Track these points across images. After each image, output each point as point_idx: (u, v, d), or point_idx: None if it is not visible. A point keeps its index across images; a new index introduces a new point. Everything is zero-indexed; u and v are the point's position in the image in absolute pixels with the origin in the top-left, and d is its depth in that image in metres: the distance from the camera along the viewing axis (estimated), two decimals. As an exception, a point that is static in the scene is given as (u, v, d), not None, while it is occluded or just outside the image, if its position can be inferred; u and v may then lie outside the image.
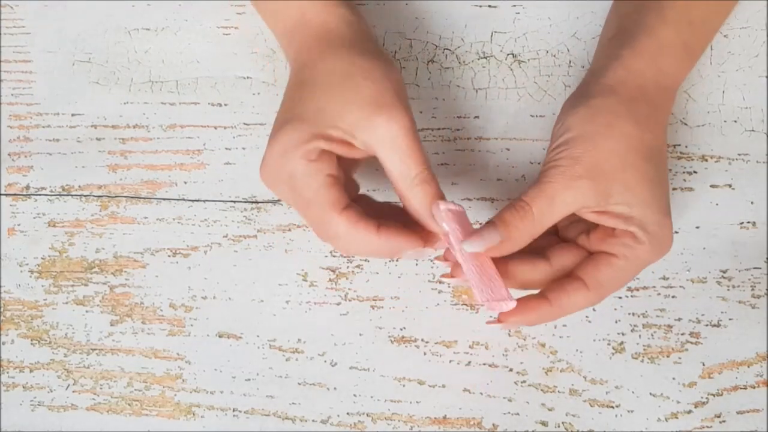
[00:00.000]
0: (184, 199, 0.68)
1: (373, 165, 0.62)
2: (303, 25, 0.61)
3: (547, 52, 0.69)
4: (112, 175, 0.68)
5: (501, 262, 0.58)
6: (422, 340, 0.66)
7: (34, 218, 0.68)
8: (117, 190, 0.68)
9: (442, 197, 0.57)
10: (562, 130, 0.59)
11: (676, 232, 0.66)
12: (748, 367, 0.64)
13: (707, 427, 0.64)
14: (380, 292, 0.66)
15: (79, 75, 0.70)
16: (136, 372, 0.66)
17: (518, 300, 0.58)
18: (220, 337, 0.66)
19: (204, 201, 0.68)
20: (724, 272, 0.65)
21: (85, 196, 0.68)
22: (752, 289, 0.65)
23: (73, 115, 0.69)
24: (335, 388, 0.65)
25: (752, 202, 0.66)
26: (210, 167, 0.68)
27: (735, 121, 0.67)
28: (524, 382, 0.65)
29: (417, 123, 0.67)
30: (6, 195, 0.68)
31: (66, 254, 0.67)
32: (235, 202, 0.68)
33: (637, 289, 0.65)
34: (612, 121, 0.57)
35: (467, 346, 0.65)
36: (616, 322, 0.65)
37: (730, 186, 0.66)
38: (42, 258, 0.68)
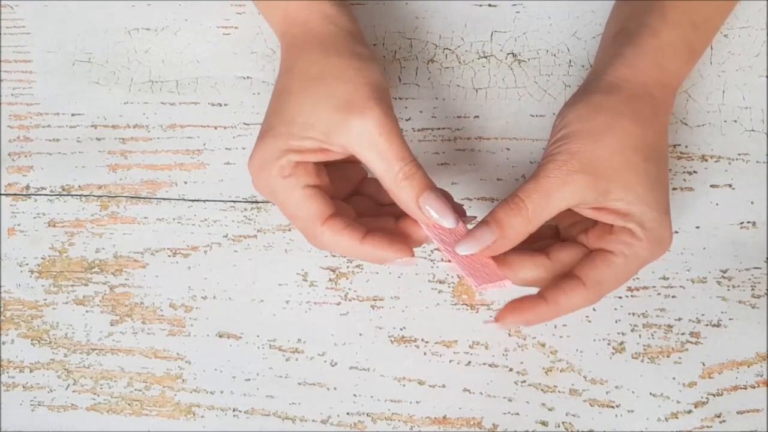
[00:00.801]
0: (184, 199, 0.68)
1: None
2: (288, 26, 0.61)
3: (547, 51, 0.69)
4: (112, 175, 0.68)
5: (500, 255, 0.58)
6: (422, 340, 0.66)
7: (34, 218, 0.68)
8: (117, 190, 0.68)
9: (430, 186, 0.56)
10: (561, 125, 0.59)
11: (676, 232, 0.66)
12: (748, 367, 0.64)
13: (707, 427, 0.64)
14: (380, 292, 0.66)
15: (79, 75, 0.70)
16: (136, 372, 0.66)
17: (515, 300, 0.58)
18: (220, 337, 0.66)
19: (204, 201, 0.68)
20: (724, 272, 0.65)
21: (85, 196, 0.68)
22: (752, 289, 0.65)
23: (73, 115, 0.69)
24: (335, 388, 0.65)
25: (752, 202, 0.66)
26: (210, 167, 0.68)
27: (735, 121, 0.67)
28: (524, 382, 0.65)
29: (417, 123, 0.67)
30: (6, 195, 0.68)
31: (66, 254, 0.67)
32: (235, 202, 0.68)
33: (637, 289, 0.65)
34: (613, 118, 0.57)
35: (467, 346, 0.65)
36: (616, 322, 0.65)
37: (730, 186, 0.66)
38: (42, 258, 0.68)
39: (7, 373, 0.66)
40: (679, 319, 0.65)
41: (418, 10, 0.70)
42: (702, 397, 0.64)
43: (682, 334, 0.65)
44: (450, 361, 0.65)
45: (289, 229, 0.67)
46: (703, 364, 0.65)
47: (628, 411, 0.64)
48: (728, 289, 0.65)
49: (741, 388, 0.64)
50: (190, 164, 0.68)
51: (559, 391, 0.65)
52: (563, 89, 0.68)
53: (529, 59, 0.69)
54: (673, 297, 0.65)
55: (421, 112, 0.68)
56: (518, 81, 0.69)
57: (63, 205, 0.68)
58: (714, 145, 0.67)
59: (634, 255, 0.58)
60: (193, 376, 0.66)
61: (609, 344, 0.65)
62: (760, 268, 0.65)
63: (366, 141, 0.56)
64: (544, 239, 0.61)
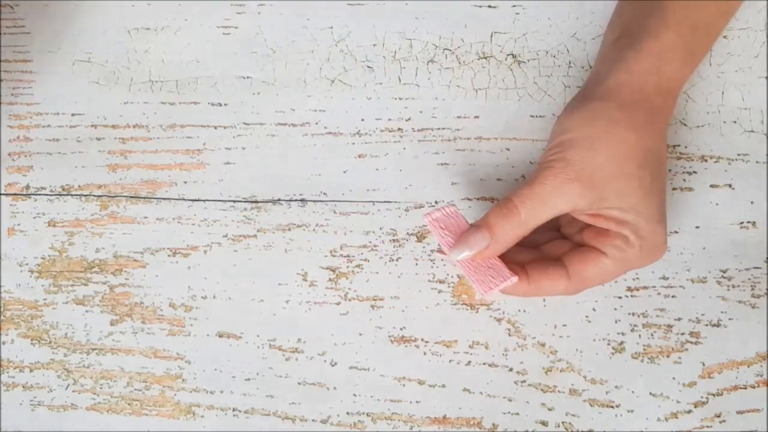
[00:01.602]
0: (184, 199, 0.68)
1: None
2: None
3: (547, 52, 0.69)
4: (112, 174, 0.68)
5: None
6: (422, 339, 0.66)
7: (34, 218, 0.68)
8: (117, 189, 0.68)
9: None
10: (559, 131, 0.59)
11: (676, 232, 0.66)
12: (748, 367, 0.64)
13: (707, 427, 0.64)
14: (380, 292, 0.66)
15: (79, 75, 0.70)
16: (136, 372, 0.66)
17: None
18: (220, 336, 0.66)
19: (204, 201, 0.68)
20: (724, 272, 0.66)
21: (85, 195, 0.68)
22: (752, 289, 0.65)
23: (73, 115, 0.69)
24: (335, 388, 0.65)
25: (752, 202, 0.66)
26: (210, 167, 0.68)
27: (734, 122, 0.67)
28: (524, 381, 0.65)
29: (417, 123, 0.68)
30: (6, 195, 0.68)
31: (66, 254, 0.67)
32: (235, 201, 0.68)
33: (637, 289, 0.65)
34: (609, 126, 0.58)
35: (467, 346, 0.65)
36: (616, 322, 0.65)
37: (729, 186, 0.66)
38: (42, 258, 0.67)
39: (7, 373, 0.66)
40: (679, 319, 0.65)
41: (418, 11, 0.70)
42: (702, 397, 0.64)
43: (682, 334, 0.65)
44: (450, 361, 0.65)
45: (289, 229, 0.67)
46: (703, 364, 0.65)
47: (628, 411, 0.64)
48: (728, 289, 0.65)
49: (741, 388, 0.64)
50: (189, 164, 0.68)
51: (559, 391, 0.65)
52: (563, 90, 0.68)
53: (528, 60, 0.69)
54: (673, 297, 0.65)
55: (421, 112, 0.68)
56: (518, 82, 0.69)
57: (63, 205, 0.68)
58: (714, 145, 0.67)
59: (624, 260, 0.59)
60: (193, 376, 0.66)
61: (609, 344, 0.65)
62: (760, 268, 0.65)
63: None
64: (545, 231, 0.62)
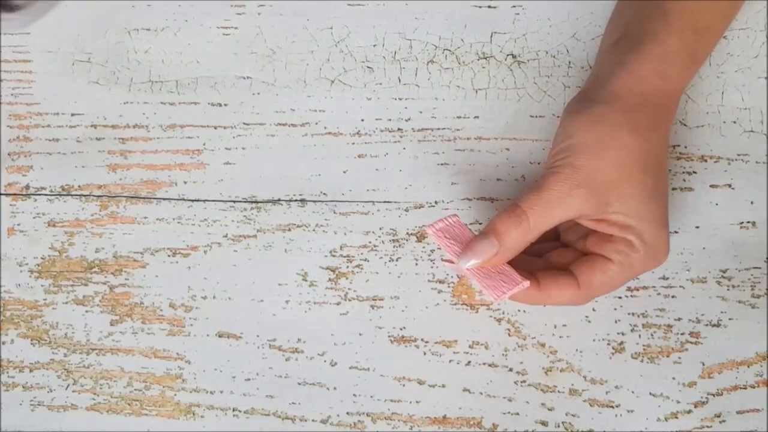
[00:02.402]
0: (184, 199, 0.68)
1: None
2: None
3: (547, 52, 0.69)
4: (112, 175, 0.68)
5: None
6: (422, 340, 0.66)
7: (34, 218, 0.68)
8: (117, 190, 0.68)
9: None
10: (563, 135, 0.59)
11: (676, 232, 0.66)
12: (748, 367, 0.65)
13: (707, 427, 0.64)
14: (380, 292, 0.66)
15: (79, 75, 0.70)
16: (136, 372, 0.66)
17: None
18: (220, 337, 0.66)
19: (204, 201, 0.68)
20: (724, 272, 0.66)
21: (85, 196, 0.68)
22: (752, 289, 0.65)
23: (73, 115, 0.69)
24: (335, 388, 0.65)
25: (752, 202, 0.66)
26: (210, 167, 0.68)
27: (734, 122, 0.67)
28: (524, 382, 0.65)
29: (417, 123, 0.68)
30: (6, 195, 0.68)
31: (66, 254, 0.67)
32: (235, 202, 0.68)
33: (637, 289, 0.65)
34: (614, 130, 0.58)
35: (467, 346, 0.65)
36: (616, 322, 0.65)
37: (729, 186, 0.66)
38: (42, 258, 0.67)
39: (7, 373, 0.66)
40: (679, 319, 0.65)
41: (418, 11, 0.70)
42: (702, 397, 0.64)
43: (682, 334, 0.65)
44: (450, 361, 0.65)
45: (289, 229, 0.67)
46: (703, 364, 0.65)
47: (628, 411, 0.64)
48: (728, 289, 0.65)
49: (741, 388, 0.64)
50: (189, 164, 0.68)
51: (558, 391, 0.65)
52: (563, 90, 0.68)
53: (528, 60, 0.69)
54: (673, 297, 0.65)
55: (420, 112, 0.68)
56: (518, 82, 0.69)
57: (63, 205, 0.68)
58: (713, 145, 0.67)
59: (629, 265, 0.59)
60: (193, 376, 0.66)
61: (609, 344, 0.65)
62: (760, 268, 0.65)
63: None
64: (544, 241, 0.62)
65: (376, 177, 0.67)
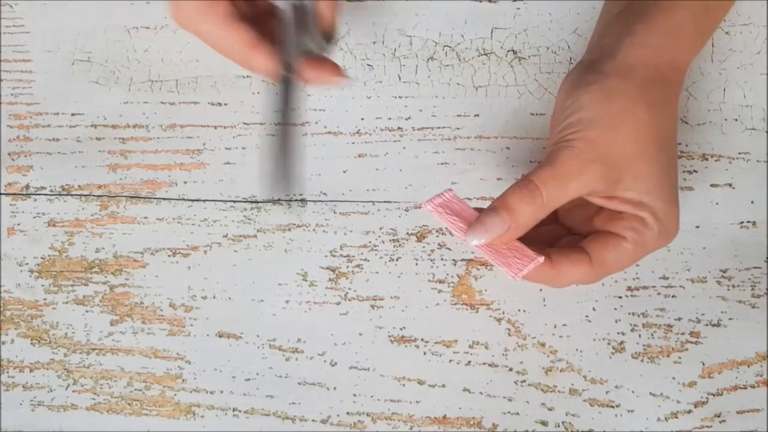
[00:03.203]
0: (184, 199, 0.68)
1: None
2: None
3: (548, 48, 0.69)
4: (112, 174, 0.68)
5: None
6: (422, 339, 0.66)
7: (34, 218, 0.68)
8: (117, 189, 0.68)
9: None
10: (574, 107, 0.57)
11: (676, 232, 0.66)
12: (748, 366, 0.64)
13: (707, 426, 0.64)
14: (380, 291, 0.66)
15: (79, 75, 0.70)
16: (136, 372, 0.66)
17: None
18: (220, 336, 0.66)
19: (204, 201, 0.68)
20: (724, 272, 0.65)
21: (85, 195, 0.68)
22: (752, 289, 0.65)
23: (73, 114, 0.69)
24: (335, 388, 0.65)
25: (752, 202, 0.66)
26: (210, 167, 0.68)
27: (736, 120, 0.67)
28: (524, 381, 0.65)
29: (417, 121, 0.67)
30: (6, 195, 0.68)
31: (66, 254, 0.68)
32: (235, 201, 0.68)
33: (637, 289, 0.65)
34: (628, 105, 0.56)
35: (467, 346, 0.65)
36: (616, 321, 0.65)
37: (730, 185, 0.66)
38: (42, 258, 0.68)
39: (7, 372, 0.67)
40: (679, 319, 0.65)
41: (418, 7, 0.69)
42: (702, 397, 0.64)
43: (682, 333, 0.65)
44: (450, 361, 0.65)
45: (289, 229, 0.67)
46: (703, 364, 0.65)
47: (628, 411, 0.64)
48: (728, 289, 0.65)
49: (741, 388, 0.64)
50: (189, 164, 0.68)
51: (558, 391, 0.65)
52: (563, 88, 0.68)
53: (529, 56, 0.69)
54: (673, 297, 0.65)
55: (420, 110, 0.68)
56: (518, 79, 0.69)
57: (63, 204, 0.68)
58: (714, 143, 0.67)
59: (644, 242, 0.57)
60: (193, 376, 0.66)
61: (609, 344, 0.65)
62: (760, 268, 0.65)
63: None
64: (543, 224, 0.60)
65: (376, 177, 0.67)
